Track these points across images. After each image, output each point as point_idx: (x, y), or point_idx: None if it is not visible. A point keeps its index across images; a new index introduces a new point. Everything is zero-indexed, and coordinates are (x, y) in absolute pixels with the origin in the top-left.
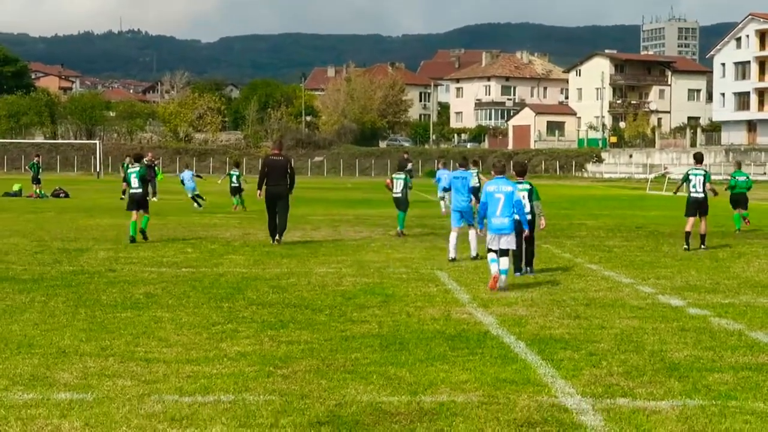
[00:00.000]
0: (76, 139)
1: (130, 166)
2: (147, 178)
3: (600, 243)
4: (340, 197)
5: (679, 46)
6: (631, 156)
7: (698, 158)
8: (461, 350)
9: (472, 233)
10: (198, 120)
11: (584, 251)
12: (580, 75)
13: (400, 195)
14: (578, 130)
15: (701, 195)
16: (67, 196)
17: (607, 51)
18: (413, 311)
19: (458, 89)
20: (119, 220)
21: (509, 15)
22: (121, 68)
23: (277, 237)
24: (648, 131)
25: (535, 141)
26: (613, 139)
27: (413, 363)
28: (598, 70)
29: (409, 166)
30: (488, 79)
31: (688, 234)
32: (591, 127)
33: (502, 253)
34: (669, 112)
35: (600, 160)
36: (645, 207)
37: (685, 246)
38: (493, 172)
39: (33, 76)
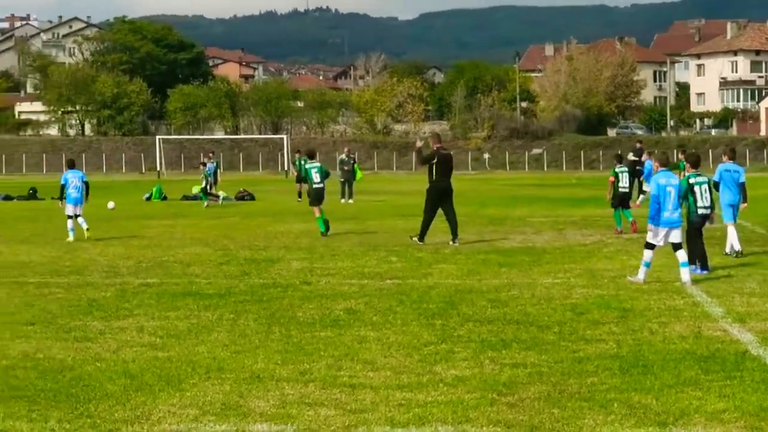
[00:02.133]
0: (260, 133)
1: (307, 161)
2: (328, 173)
3: None
4: (563, 195)
5: None
6: None
7: None
8: (716, 373)
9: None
10: (397, 109)
11: None
12: None
13: (627, 189)
14: None
15: None
16: (252, 198)
17: None
18: (657, 328)
19: (699, 66)
20: (312, 224)
21: None
22: (308, 52)
23: (452, 239)
24: None
25: None
26: None
27: (660, 389)
28: None
29: (644, 157)
30: (735, 53)
31: None
32: None
33: (676, 247)
34: None
35: None
36: None
37: None
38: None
39: (210, 63)
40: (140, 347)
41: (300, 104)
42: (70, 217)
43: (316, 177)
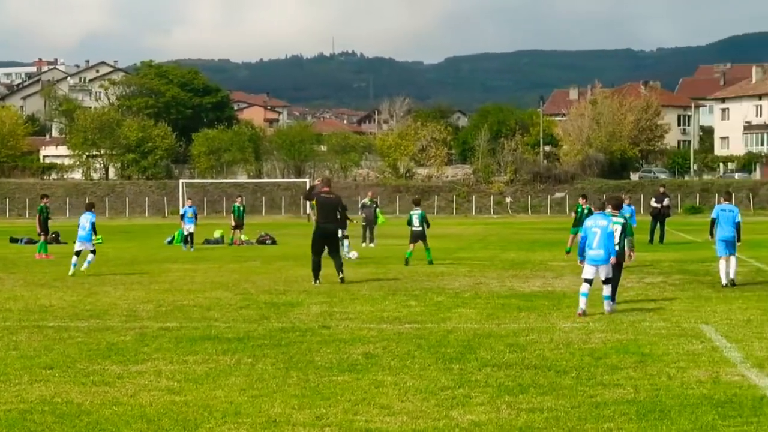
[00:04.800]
0: (283, 177)
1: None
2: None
3: None
4: None
5: None
6: None
7: None
8: (733, 419)
9: (732, 261)
10: (421, 153)
11: None
12: None
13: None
14: None
15: None
16: (274, 242)
17: None
18: (675, 373)
19: (724, 110)
20: (330, 269)
21: None
22: (333, 95)
23: (339, 273)
24: None
25: None
26: None
27: None
28: None
29: (666, 201)
30: (759, 97)
31: None
32: None
33: (605, 281)
34: None
35: None
36: None
37: None
38: (609, 206)
39: (236, 107)
40: (158, 391)
41: (323, 148)
42: (76, 253)
43: (416, 222)
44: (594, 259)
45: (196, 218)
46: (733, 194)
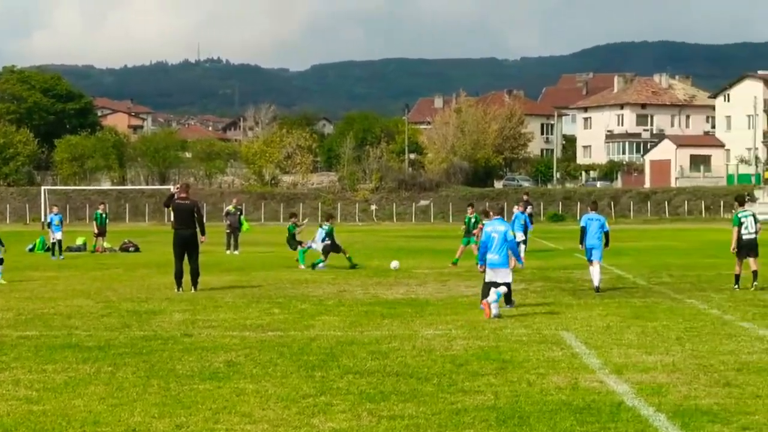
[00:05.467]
0: (147, 184)
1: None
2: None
3: (754, 297)
4: (449, 247)
5: None
6: None
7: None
8: (591, 424)
9: (597, 268)
10: (286, 160)
11: (735, 306)
12: (728, 100)
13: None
14: (727, 165)
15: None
16: (137, 249)
17: (760, 72)
18: (535, 379)
19: (586, 119)
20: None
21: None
22: (198, 102)
23: (192, 286)
24: None
25: (676, 178)
26: None
27: None
28: (750, 95)
29: (529, 209)
30: (621, 107)
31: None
32: (742, 160)
33: (498, 285)
34: None
35: (753, 200)
36: None
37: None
38: (492, 214)
39: (99, 114)
40: (15, 401)
41: (188, 155)
42: None
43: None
44: (493, 263)
45: (62, 225)
46: (593, 202)
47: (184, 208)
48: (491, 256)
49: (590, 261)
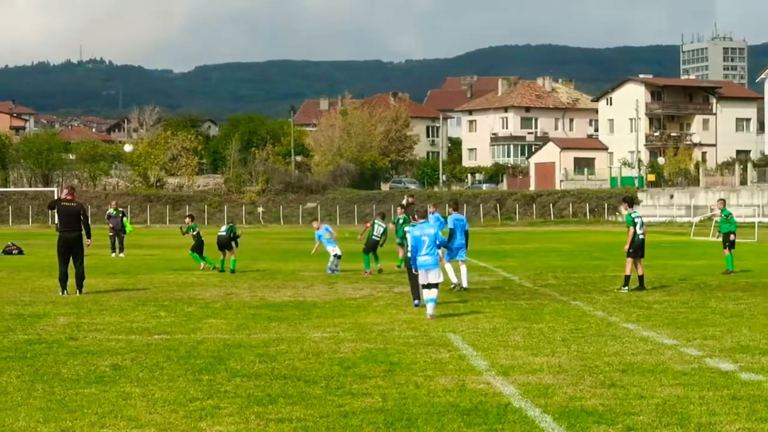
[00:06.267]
0: (30, 186)
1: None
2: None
3: (638, 299)
4: None
5: (725, 69)
6: (671, 196)
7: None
8: (478, 426)
9: (464, 267)
10: (171, 162)
11: (619, 308)
12: (611, 104)
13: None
14: (610, 168)
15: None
16: (20, 252)
17: (641, 76)
18: (422, 381)
19: (471, 122)
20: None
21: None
22: (81, 103)
23: (77, 290)
24: (691, 167)
25: (560, 180)
26: (651, 178)
27: None
28: (632, 98)
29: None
30: (505, 110)
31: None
32: (625, 163)
33: (431, 285)
34: (714, 145)
35: (636, 202)
36: (689, 255)
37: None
38: (418, 217)
39: None
40: None
41: (72, 157)
42: None
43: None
44: (425, 264)
45: None
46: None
47: (70, 210)
48: (423, 259)
49: (456, 260)
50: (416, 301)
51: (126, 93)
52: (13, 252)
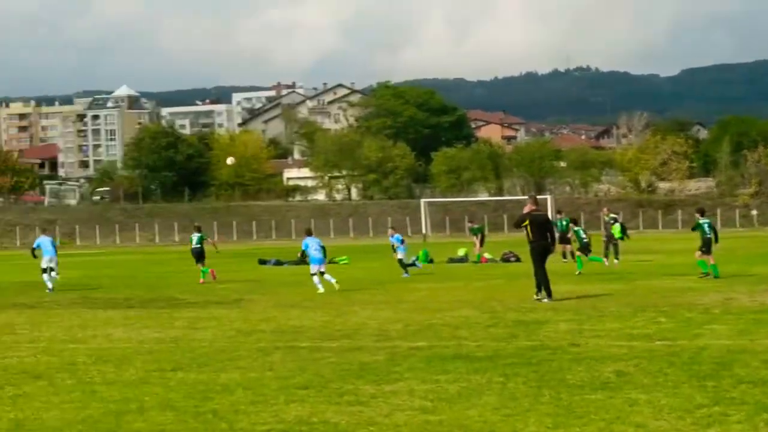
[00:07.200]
0: (523, 194)
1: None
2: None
3: None
4: None
5: None
6: None
7: None
8: None
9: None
10: (661, 166)
11: None
12: None
13: None
14: None
15: None
16: (518, 260)
17: None
18: None
19: None
20: (576, 286)
21: None
22: (570, 111)
23: (546, 297)
24: None
25: None
26: None
27: None
28: None
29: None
30: None
31: None
32: None
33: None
34: None
35: None
36: None
37: None
38: None
39: (473, 126)
40: (412, 411)
41: (563, 164)
42: (313, 274)
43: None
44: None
45: (403, 243)
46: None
47: (543, 220)
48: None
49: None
50: None
51: (613, 99)
52: (511, 259)
